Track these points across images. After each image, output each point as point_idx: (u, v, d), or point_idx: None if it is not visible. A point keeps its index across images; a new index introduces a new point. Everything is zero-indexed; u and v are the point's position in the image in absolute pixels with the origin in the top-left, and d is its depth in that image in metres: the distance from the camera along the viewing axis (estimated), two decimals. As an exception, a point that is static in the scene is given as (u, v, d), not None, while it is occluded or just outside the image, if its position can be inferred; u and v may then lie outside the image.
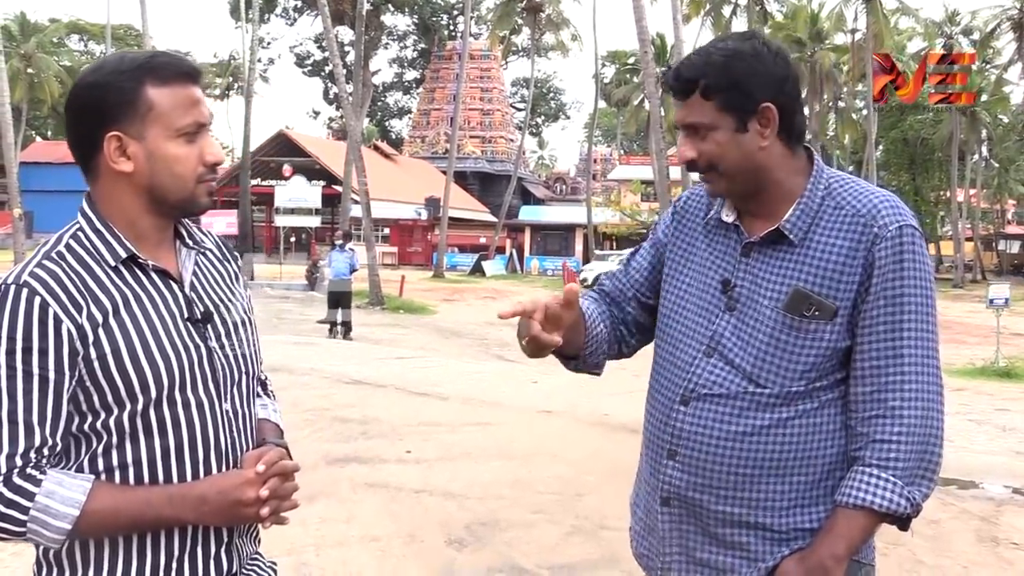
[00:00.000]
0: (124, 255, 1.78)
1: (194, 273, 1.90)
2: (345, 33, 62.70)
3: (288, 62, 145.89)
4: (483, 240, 56.45)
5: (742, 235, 2.07)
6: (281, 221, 37.94)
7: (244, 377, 1.93)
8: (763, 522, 2.01)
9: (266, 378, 2.19)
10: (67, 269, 1.73)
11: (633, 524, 2.27)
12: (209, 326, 1.86)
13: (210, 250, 1.99)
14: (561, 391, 11.49)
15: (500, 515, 6.08)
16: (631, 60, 64.10)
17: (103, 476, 1.75)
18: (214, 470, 1.82)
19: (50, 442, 1.69)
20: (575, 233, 56.87)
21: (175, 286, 1.84)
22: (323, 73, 78.34)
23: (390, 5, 72.03)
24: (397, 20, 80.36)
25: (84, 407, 1.73)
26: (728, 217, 2.10)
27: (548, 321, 1.97)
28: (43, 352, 1.66)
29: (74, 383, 1.70)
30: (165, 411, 1.77)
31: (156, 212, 1.83)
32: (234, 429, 1.88)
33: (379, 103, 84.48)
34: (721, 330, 2.05)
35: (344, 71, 30.60)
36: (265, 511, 1.79)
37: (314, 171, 49.03)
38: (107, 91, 1.77)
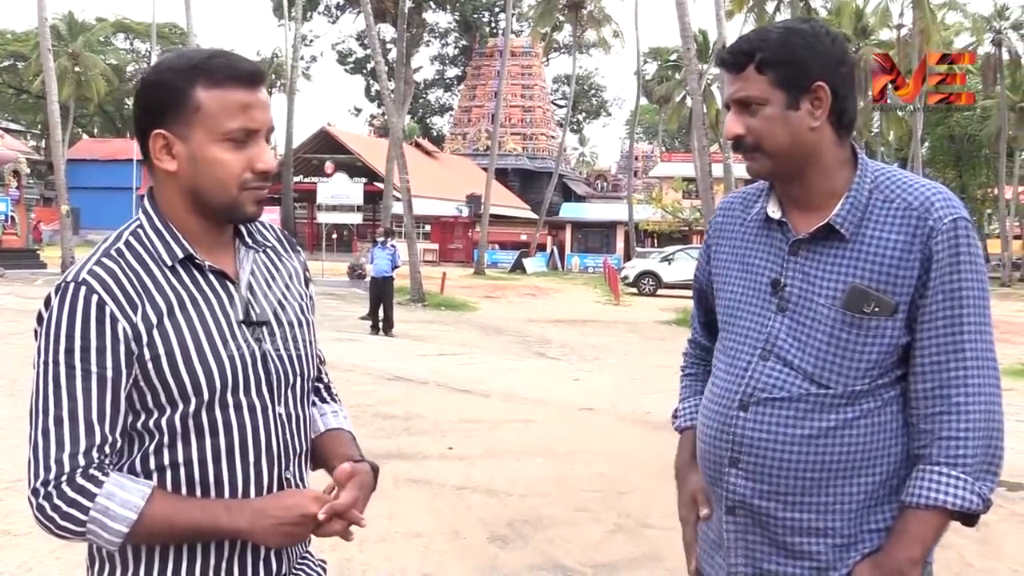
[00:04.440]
0: (181, 255, 1.77)
1: (252, 273, 1.88)
2: (387, 30, 62.82)
3: (330, 59, 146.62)
4: (524, 237, 56.42)
5: (788, 233, 2.02)
6: (323, 218, 38.10)
7: (299, 379, 1.90)
8: (832, 527, 1.96)
9: (329, 381, 2.17)
10: (125, 267, 1.73)
11: (700, 537, 2.21)
12: (264, 328, 1.84)
13: (272, 247, 1.97)
14: (602, 389, 11.48)
15: (542, 512, 6.08)
16: (673, 57, 63.70)
17: (154, 476, 1.75)
18: (265, 473, 1.81)
19: (110, 439, 1.69)
20: (616, 230, 56.70)
21: (231, 287, 1.83)
22: (365, 70, 78.63)
23: (432, 2, 72.18)
24: (439, 17, 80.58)
25: (138, 405, 1.73)
26: (775, 213, 2.05)
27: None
28: (101, 351, 1.67)
29: (131, 381, 1.70)
30: (217, 413, 1.76)
31: (201, 214, 1.80)
32: (287, 432, 1.86)
33: (421, 100, 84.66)
34: (776, 332, 2.00)
35: (386, 68, 30.67)
36: (316, 530, 1.79)
37: (356, 168, 49.25)
38: (159, 89, 1.76)
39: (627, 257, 48.40)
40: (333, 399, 2.15)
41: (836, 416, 1.94)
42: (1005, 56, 48.70)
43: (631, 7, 64.45)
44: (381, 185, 40.44)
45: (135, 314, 1.70)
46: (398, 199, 30.66)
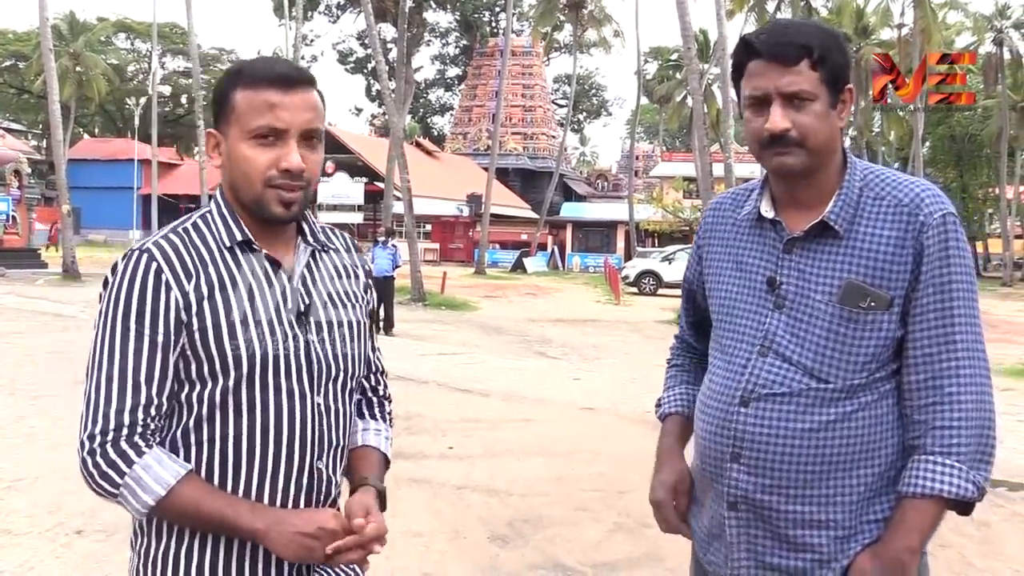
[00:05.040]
0: (240, 238, 1.89)
1: (307, 266, 1.97)
2: (388, 30, 62.79)
3: (331, 59, 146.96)
4: (524, 237, 56.43)
5: (782, 231, 2.05)
6: (324, 217, 38.09)
7: (342, 374, 1.97)
8: (834, 519, 1.99)
9: (385, 395, 2.23)
10: (187, 243, 1.86)
11: (696, 530, 2.22)
12: (312, 319, 1.93)
13: (335, 250, 2.07)
14: (603, 388, 11.48)
15: (542, 512, 6.07)
16: (674, 56, 63.72)
17: (193, 450, 1.84)
18: (296, 458, 1.88)
19: (155, 402, 1.80)
20: (617, 230, 56.73)
21: (284, 276, 1.92)
22: (365, 70, 78.62)
23: (432, 2, 72.17)
24: (439, 17, 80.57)
25: (183, 375, 1.83)
26: (768, 212, 2.08)
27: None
28: (154, 315, 1.79)
29: (179, 350, 1.81)
30: (257, 392, 1.84)
31: (245, 208, 1.90)
32: (323, 423, 1.92)
33: (421, 100, 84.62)
34: (773, 329, 2.03)
35: (386, 68, 30.67)
36: (328, 553, 1.82)
37: (357, 168, 49.22)
38: (214, 94, 1.93)
39: (628, 257, 48.39)
40: (383, 417, 2.20)
41: (836, 410, 1.97)
42: (1006, 55, 48.66)
43: (632, 7, 64.54)
44: (382, 185, 40.39)
45: (188, 284, 1.82)
46: (399, 199, 30.64)
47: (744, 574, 2.08)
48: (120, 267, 1.83)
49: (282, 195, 1.86)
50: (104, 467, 1.76)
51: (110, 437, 1.77)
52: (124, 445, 1.77)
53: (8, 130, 54.39)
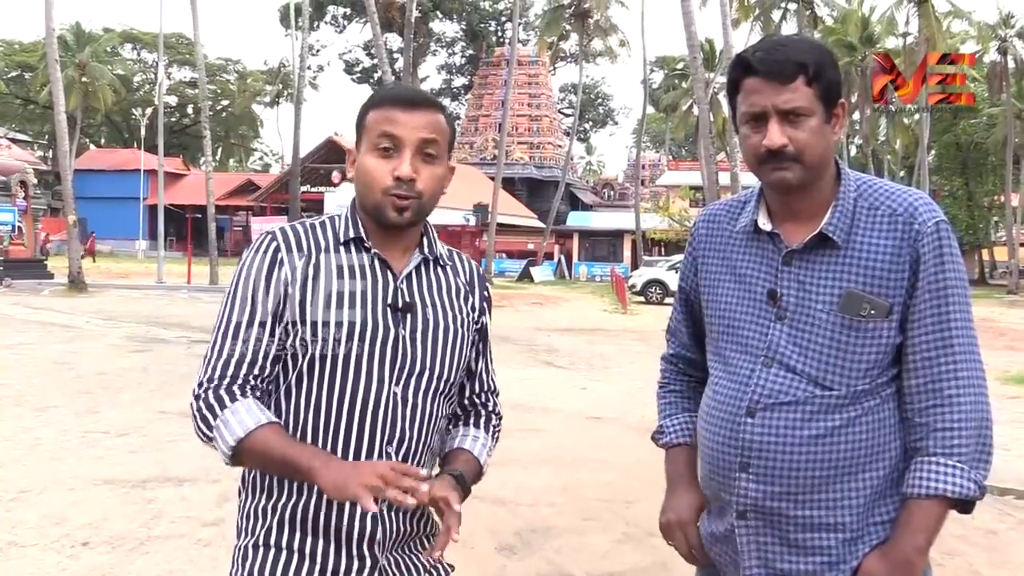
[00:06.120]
0: (353, 235, 2.09)
1: (416, 270, 2.12)
2: (394, 40, 63.06)
3: (337, 69, 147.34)
4: (531, 246, 56.42)
5: (780, 244, 2.08)
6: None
7: (427, 373, 2.08)
8: (842, 522, 2.02)
9: (493, 412, 2.35)
10: (308, 232, 2.09)
11: (702, 534, 2.23)
12: (407, 316, 2.07)
13: (452, 266, 2.21)
14: (610, 397, 11.47)
15: (550, 522, 6.07)
16: (680, 65, 63.95)
17: (282, 416, 2.03)
18: (366, 438, 2.01)
19: (259, 363, 2.01)
20: (623, 239, 56.69)
21: (389, 275, 2.08)
22: (372, 80, 78.79)
23: (439, 12, 72.36)
24: (445, 27, 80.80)
25: (283, 344, 2.03)
26: (765, 225, 2.11)
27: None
28: (267, 286, 2.02)
29: (283, 321, 2.01)
30: (339, 368, 2.01)
31: (367, 214, 2.07)
32: (398, 413, 2.04)
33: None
34: (776, 339, 2.06)
35: (393, 77, 30.74)
36: (369, 492, 1.83)
37: (363, 177, 49.20)
38: (356, 118, 2.13)
39: (634, 266, 48.36)
40: (487, 429, 2.32)
41: (841, 416, 2.01)
42: (1011, 64, 48.61)
43: (637, 16, 64.53)
44: (388, 194, 40.62)
45: (299, 261, 2.04)
46: (405, 208, 30.67)
47: None
48: (251, 245, 2.08)
49: (395, 202, 2.02)
50: (204, 410, 1.97)
51: (212, 384, 1.98)
52: (222, 392, 1.98)
53: (14, 140, 54.49)
